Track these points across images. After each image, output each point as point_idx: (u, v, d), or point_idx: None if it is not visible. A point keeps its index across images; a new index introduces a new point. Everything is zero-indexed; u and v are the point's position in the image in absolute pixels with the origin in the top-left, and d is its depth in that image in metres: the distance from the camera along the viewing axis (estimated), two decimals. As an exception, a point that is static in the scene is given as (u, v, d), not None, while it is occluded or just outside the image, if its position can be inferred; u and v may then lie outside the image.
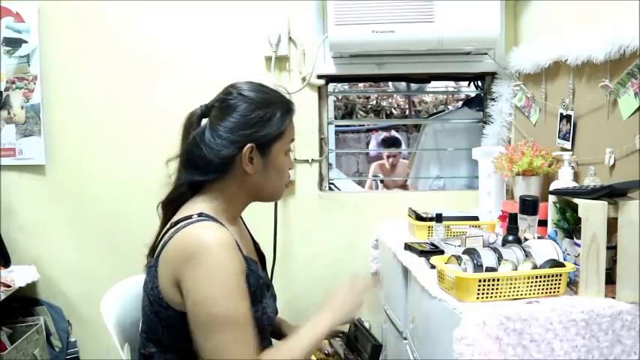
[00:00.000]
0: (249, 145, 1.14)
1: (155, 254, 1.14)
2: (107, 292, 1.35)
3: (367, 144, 5.84)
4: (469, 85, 2.43)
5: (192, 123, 1.21)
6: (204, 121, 1.22)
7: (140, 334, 1.22)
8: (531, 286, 1.05)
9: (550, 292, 1.06)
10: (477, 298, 1.02)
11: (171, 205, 1.22)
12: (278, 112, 1.17)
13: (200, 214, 1.12)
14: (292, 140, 1.24)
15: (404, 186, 3.64)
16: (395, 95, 5.72)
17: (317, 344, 1.18)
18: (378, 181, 4.18)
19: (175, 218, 1.15)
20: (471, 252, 1.10)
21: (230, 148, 1.14)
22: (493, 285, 1.02)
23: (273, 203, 1.98)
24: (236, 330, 1.04)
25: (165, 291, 1.09)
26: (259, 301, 1.16)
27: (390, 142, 4.82)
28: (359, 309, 1.27)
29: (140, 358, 1.20)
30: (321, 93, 2.07)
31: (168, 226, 1.15)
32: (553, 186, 1.43)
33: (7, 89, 2.02)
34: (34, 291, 2.07)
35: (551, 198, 1.20)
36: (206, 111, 1.22)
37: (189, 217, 1.12)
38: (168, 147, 1.33)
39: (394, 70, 2.05)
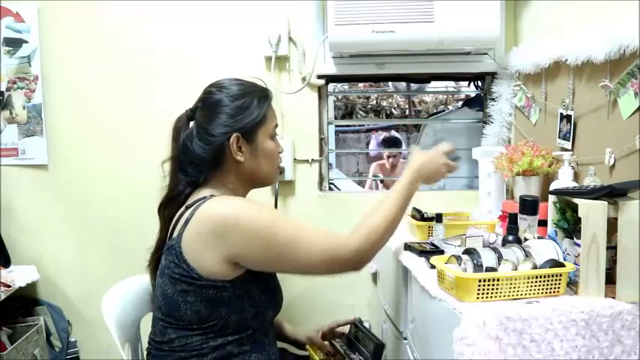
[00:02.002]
0: (235, 134, 1.22)
1: (175, 235, 1.18)
2: (107, 292, 1.36)
3: (367, 144, 5.85)
4: (469, 85, 2.43)
5: (180, 127, 1.30)
6: (192, 123, 1.29)
7: (155, 324, 1.25)
8: (531, 286, 1.05)
9: (550, 292, 1.06)
10: (477, 298, 1.02)
11: (172, 203, 1.27)
12: (255, 99, 1.26)
13: (211, 196, 1.20)
14: (276, 125, 1.32)
15: (404, 186, 3.63)
16: (395, 95, 5.72)
17: (404, 201, 1.27)
18: (378, 181, 4.19)
19: (187, 203, 1.22)
20: (471, 252, 1.10)
21: (219, 141, 1.22)
22: (493, 285, 1.02)
23: (272, 203, 1.99)
24: (306, 230, 1.16)
25: (199, 262, 1.13)
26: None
27: (390, 142, 4.83)
28: (442, 172, 1.38)
29: (154, 349, 1.23)
30: (321, 93, 2.07)
31: (183, 209, 1.21)
32: (553, 186, 1.43)
33: (8, 89, 2.02)
34: (34, 291, 2.07)
35: (551, 198, 1.20)
36: (191, 114, 1.30)
37: (202, 198, 1.19)
38: (169, 147, 1.35)
39: (394, 70, 2.04)
